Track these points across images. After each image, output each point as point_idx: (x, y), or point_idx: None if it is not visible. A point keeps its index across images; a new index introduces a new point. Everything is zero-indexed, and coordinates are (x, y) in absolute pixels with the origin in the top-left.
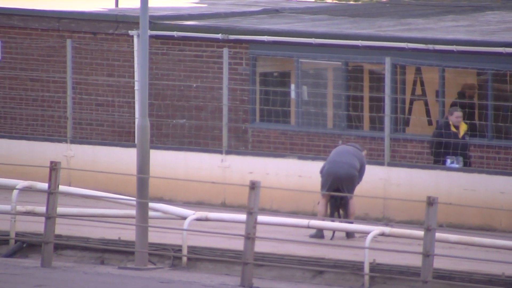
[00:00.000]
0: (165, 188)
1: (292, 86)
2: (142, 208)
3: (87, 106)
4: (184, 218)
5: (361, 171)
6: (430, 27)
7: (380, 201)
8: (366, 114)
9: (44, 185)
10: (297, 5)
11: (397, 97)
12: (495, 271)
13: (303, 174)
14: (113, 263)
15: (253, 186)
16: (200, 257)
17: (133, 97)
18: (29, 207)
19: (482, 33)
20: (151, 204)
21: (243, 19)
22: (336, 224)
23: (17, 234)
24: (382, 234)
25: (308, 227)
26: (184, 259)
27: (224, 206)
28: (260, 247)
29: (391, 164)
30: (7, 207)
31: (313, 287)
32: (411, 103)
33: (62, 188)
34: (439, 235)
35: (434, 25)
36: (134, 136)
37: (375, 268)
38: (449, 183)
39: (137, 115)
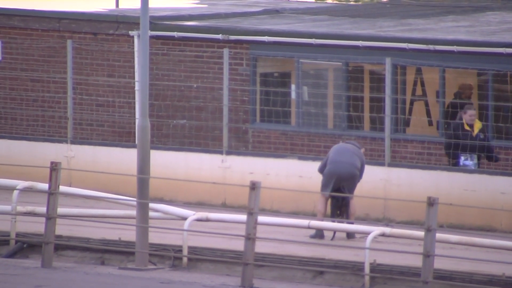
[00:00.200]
0: (166, 188)
1: (293, 87)
2: (143, 209)
3: (88, 107)
4: (184, 218)
5: (361, 169)
6: (430, 27)
7: (380, 201)
8: (366, 115)
9: (45, 186)
10: (298, 5)
11: (397, 97)
12: (496, 271)
13: (303, 174)
14: (113, 264)
15: (254, 186)
16: (200, 258)
17: (134, 98)
18: (29, 208)
19: (483, 34)
20: (151, 205)
21: (243, 20)
22: (337, 225)
23: (17, 234)
24: (383, 235)
25: (309, 227)
26: (185, 259)
27: (225, 206)
28: (261, 247)
29: (391, 164)
30: (7, 208)
31: None
32: (411, 103)
33: (62, 188)
34: (439, 235)
35: (435, 25)
36: (135, 137)
37: (376, 268)
38: (450, 184)
39: (137, 115)
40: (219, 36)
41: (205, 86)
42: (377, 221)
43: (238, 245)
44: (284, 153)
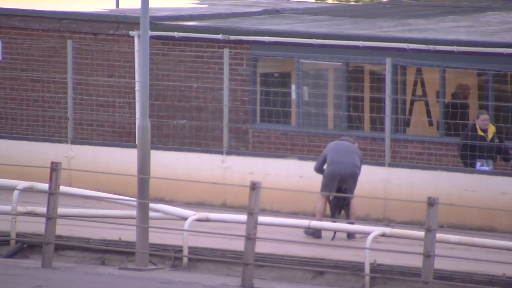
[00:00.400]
0: (166, 188)
1: (293, 87)
2: (143, 209)
3: (88, 107)
4: (184, 218)
5: (360, 166)
6: (430, 27)
7: (380, 201)
8: (366, 115)
9: (45, 186)
10: (298, 5)
11: (397, 97)
12: (496, 271)
13: (303, 174)
14: (113, 264)
15: (254, 186)
16: (200, 258)
17: (134, 98)
18: (29, 208)
19: (483, 34)
20: (151, 205)
21: (243, 20)
22: (337, 225)
23: (17, 234)
24: (383, 235)
25: (309, 227)
26: (185, 259)
27: (225, 206)
28: (261, 247)
29: (391, 164)
30: (7, 208)
31: None
32: (411, 103)
33: (62, 188)
34: (439, 235)
35: (435, 25)
36: (135, 137)
37: (376, 268)
38: (450, 184)
39: (137, 115)
40: (219, 36)
41: (205, 86)
42: (377, 221)
43: (238, 245)
44: (284, 153)
